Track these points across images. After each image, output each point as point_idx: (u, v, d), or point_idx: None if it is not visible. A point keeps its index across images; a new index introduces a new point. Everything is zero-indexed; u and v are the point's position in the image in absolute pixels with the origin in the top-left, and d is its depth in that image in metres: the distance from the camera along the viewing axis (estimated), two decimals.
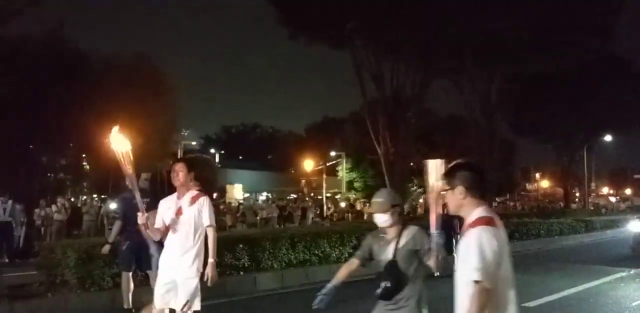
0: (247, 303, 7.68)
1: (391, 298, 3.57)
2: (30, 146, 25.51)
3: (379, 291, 3.57)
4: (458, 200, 2.67)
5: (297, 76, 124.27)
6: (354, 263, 3.78)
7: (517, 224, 16.64)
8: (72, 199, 26.19)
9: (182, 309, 4.49)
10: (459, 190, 2.65)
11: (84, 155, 29.38)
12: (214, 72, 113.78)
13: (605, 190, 63.68)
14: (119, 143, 4.28)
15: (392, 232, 3.71)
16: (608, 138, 37.88)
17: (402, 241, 3.65)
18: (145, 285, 6.58)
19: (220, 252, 7.33)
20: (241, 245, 8.74)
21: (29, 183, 23.19)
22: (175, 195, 4.66)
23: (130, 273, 6.60)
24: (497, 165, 30.25)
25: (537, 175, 58.77)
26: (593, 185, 49.26)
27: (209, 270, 4.54)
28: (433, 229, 3.53)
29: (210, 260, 4.56)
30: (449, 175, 2.75)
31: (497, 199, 39.74)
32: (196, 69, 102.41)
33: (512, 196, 51.97)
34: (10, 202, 12.86)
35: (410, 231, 3.71)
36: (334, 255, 10.15)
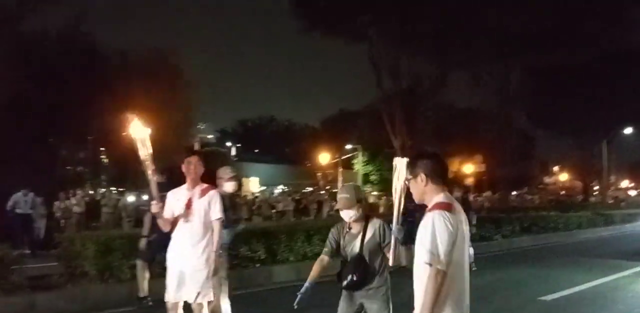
0: (263, 295, 7.76)
1: (358, 290, 3.79)
2: (50, 139, 25.88)
3: (345, 283, 3.77)
4: (420, 188, 2.80)
5: (313, 69, 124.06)
6: (324, 260, 3.86)
7: (534, 217, 16.53)
8: (91, 192, 26.51)
9: (194, 301, 4.54)
10: (421, 177, 2.77)
11: (102, 149, 29.73)
12: (229, 65, 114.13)
13: (624, 183, 62.71)
14: (137, 130, 4.35)
15: (357, 227, 3.85)
16: (628, 130, 37.26)
17: (368, 235, 3.81)
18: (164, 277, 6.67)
19: (236, 244, 7.43)
20: (257, 238, 8.81)
21: (48, 176, 23.53)
22: (184, 187, 4.68)
23: (146, 263, 6.74)
24: (514, 158, 29.98)
25: (556, 168, 58.07)
26: (612, 178, 48.54)
27: (211, 262, 4.59)
28: (394, 224, 3.66)
29: (214, 252, 4.60)
30: (412, 164, 2.87)
31: (514, 192, 39.40)
32: (212, 63, 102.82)
33: (530, 189, 51.43)
34: (31, 194, 13.10)
35: (374, 224, 3.87)
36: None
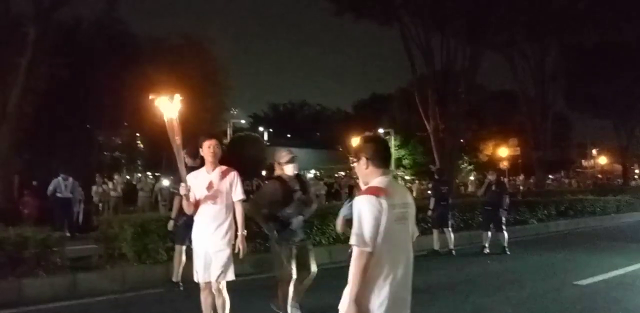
0: None
1: None
2: (88, 126, 26.49)
3: None
4: (363, 171, 2.89)
5: (345, 53, 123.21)
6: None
7: (571, 201, 16.19)
8: (128, 177, 27.14)
9: (216, 280, 4.61)
10: (363, 161, 2.86)
11: (137, 134, 30.30)
12: (261, 50, 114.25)
13: None
14: (167, 110, 4.39)
15: None
16: None
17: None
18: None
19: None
20: None
21: (86, 162, 24.15)
22: (203, 170, 4.73)
23: (184, 247, 6.74)
24: (551, 141, 29.34)
25: (594, 152, 56.66)
26: None
27: (239, 242, 4.66)
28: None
29: (240, 232, 4.68)
30: (355, 148, 2.97)
31: (550, 176, 38.62)
32: (244, 48, 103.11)
33: (567, 173, 50.37)
34: (71, 179, 13.48)
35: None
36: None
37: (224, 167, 4.76)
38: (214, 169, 4.71)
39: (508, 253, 10.25)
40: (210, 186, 4.63)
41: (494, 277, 8.18)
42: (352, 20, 24.85)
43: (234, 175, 4.74)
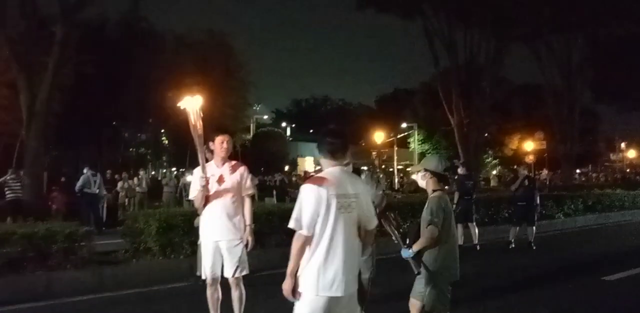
0: None
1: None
2: (114, 122, 26.89)
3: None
4: (322, 161, 3.09)
5: (368, 48, 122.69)
6: None
7: (599, 195, 15.87)
8: (153, 172, 27.46)
9: (233, 275, 4.59)
10: (320, 152, 3.09)
11: (162, 131, 30.63)
12: (284, 46, 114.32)
13: None
14: (191, 103, 4.44)
15: None
16: None
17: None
18: None
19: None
20: None
21: (113, 158, 24.53)
22: (212, 164, 4.70)
23: None
24: (577, 134, 28.81)
25: (623, 145, 55.48)
26: None
27: (247, 235, 4.63)
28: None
29: (248, 226, 4.66)
30: (318, 140, 3.14)
31: (578, 170, 37.95)
32: (266, 44, 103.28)
33: (595, 167, 49.42)
34: (99, 175, 13.71)
35: None
36: (405, 227, 10.11)
37: (233, 162, 4.75)
38: (223, 164, 4.69)
39: (534, 248, 10.11)
40: (220, 180, 4.62)
41: (521, 272, 8.07)
42: (374, 15, 24.77)
43: (243, 170, 4.73)
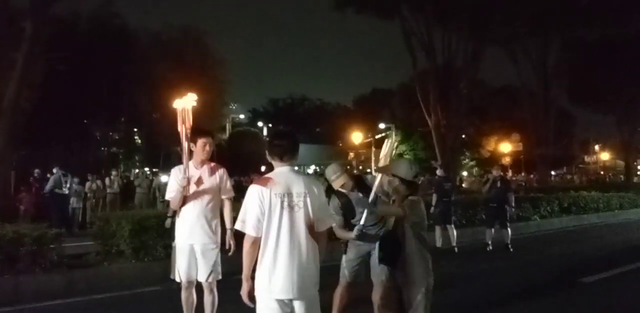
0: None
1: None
2: (85, 121, 26.37)
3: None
4: (273, 164, 3.12)
5: (345, 48, 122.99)
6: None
7: (574, 197, 16.07)
8: (125, 172, 26.99)
9: (206, 280, 4.51)
10: (267, 153, 3.13)
11: (135, 130, 30.17)
12: (261, 45, 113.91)
13: None
14: (184, 102, 4.44)
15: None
16: None
17: None
18: None
19: None
20: None
21: (84, 157, 24.04)
22: (191, 165, 4.60)
23: None
24: (553, 136, 29.22)
25: (597, 147, 56.54)
26: None
27: (229, 239, 4.56)
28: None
29: (229, 229, 4.57)
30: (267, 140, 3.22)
31: (553, 172, 38.49)
32: (243, 42, 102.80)
33: (570, 169, 50.25)
34: (69, 175, 13.37)
35: None
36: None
37: (212, 164, 4.69)
38: (202, 165, 4.62)
39: (511, 250, 10.14)
40: (199, 182, 4.54)
41: (497, 274, 8.08)
42: (353, 14, 24.77)
43: (223, 172, 4.67)
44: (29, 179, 15.52)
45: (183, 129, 4.43)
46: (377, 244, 4.56)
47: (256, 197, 2.95)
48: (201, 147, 4.57)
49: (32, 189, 14.46)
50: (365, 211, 4.43)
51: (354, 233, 4.41)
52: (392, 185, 4.16)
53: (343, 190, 4.69)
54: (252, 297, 2.98)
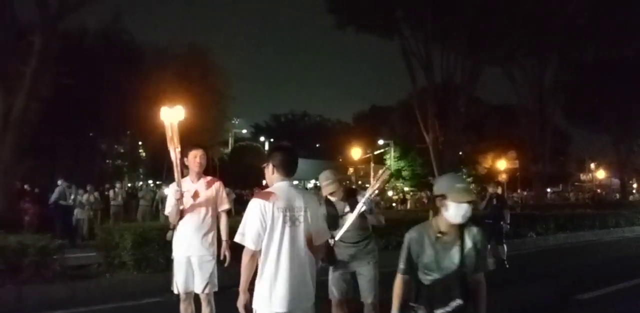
0: None
1: None
2: (90, 134, 26.57)
3: (447, 310, 2.84)
4: (269, 176, 3.15)
5: (346, 65, 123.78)
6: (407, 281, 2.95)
7: (570, 215, 16.18)
8: (130, 184, 27.10)
9: (203, 291, 4.60)
10: (270, 167, 3.13)
11: (140, 143, 30.35)
12: (263, 61, 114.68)
13: None
14: (170, 116, 4.48)
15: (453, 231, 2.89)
16: None
17: (468, 243, 2.89)
18: None
19: None
20: None
21: (89, 169, 24.17)
22: (187, 179, 4.72)
23: None
24: (549, 154, 29.39)
25: (592, 166, 56.67)
26: None
27: (224, 251, 4.66)
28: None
29: (225, 241, 4.68)
30: (268, 155, 3.22)
31: (549, 189, 38.58)
32: (246, 59, 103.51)
33: (566, 187, 50.31)
34: (73, 187, 13.52)
35: (470, 230, 2.93)
36: (381, 243, 10.18)
37: (208, 177, 4.77)
38: (198, 179, 4.71)
39: (507, 266, 10.24)
40: (195, 195, 4.63)
41: (492, 290, 8.13)
42: (354, 33, 25.13)
43: (219, 185, 4.75)
44: (34, 190, 15.65)
45: (172, 144, 4.50)
46: (365, 263, 4.54)
47: (258, 210, 2.96)
48: (192, 159, 4.64)
49: (37, 201, 14.56)
50: (345, 225, 4.38)
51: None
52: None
53: (332, 199, 4.61)
54: (248, 309, 2.99)
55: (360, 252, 4.60)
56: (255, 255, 2.96)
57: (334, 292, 4.64)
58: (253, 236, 2.94)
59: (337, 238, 4.41)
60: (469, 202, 2.78)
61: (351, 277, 4.65)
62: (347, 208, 4.56)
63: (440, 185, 2.90)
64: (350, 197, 4.63)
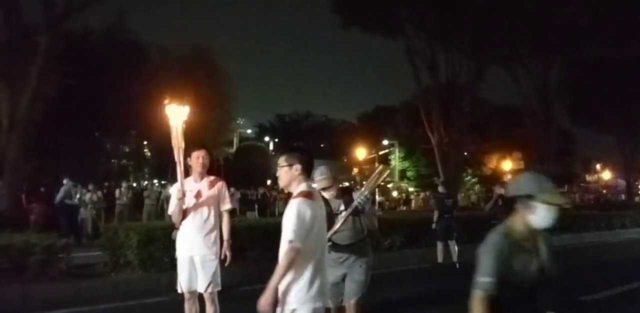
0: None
1: None
2: (96, 133, 26.68)
3: None
4: (293, 176, 3.16)
5: (350, 65, 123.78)
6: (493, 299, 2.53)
7: (575, 216, 16.12)
8: (135, 184, 27.19)
9: (206, 291, 4.61)
10: (296, 167, 3.15)
11: (145, 143, 30.46)
12: (268, 61, 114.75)
13: None
14: (175, 116, 4.54)
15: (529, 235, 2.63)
16: None
17: (543, 248, 2.70)
18: None
19: (274, 238, 7.52)
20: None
21: (94, 168, 24.27)
22: (191, 179, 4.74)
23: None
24: (554, 155, 29.32)
25: (598, 166, 56.52)
26: None
27: (225, 250, 4.70)
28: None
29: (226, 240, 4.71)
30: (288, 155, 3.21)
31: None
32: (250, 58, 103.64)
33: (571, 188, 50.15)
34: (79, 186, 13.58)
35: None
36: (386, 243, 10.18)
37: (211, 177, 4.80)
38: (202, 179, 4.73)
39: None
40: (198, 195, 4.65)
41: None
42: (359, 33, 25.12)
43: (222, 185, 4.78)
44: (40, 189, 15.74)
45: (176, 145, 4.55)
46: (357, 266, 4.45)
47: (309, 209, 3.02)
48: (195, 159, 4.68)
49: (42, 200, 14.62)
50: (337, 224, 4.32)
51: None
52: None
53: (325, 195, 4.43)
54: (274, 308, 2.97)
55: (353, 254, 4.48)
56: (299, 253, 2.96)
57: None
58: (303, 235, 2.98)
59: (329, 236, 4.22)
60: (559, 205, 2.53)
61: (342, 280, 4.54)
62: (342, 207, 4.44)
63: (526, 184, 2.60)
64: (346, 195, 4.53)
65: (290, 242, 2.95)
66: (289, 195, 3.33)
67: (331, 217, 4.24)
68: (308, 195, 3.10)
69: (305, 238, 2.98)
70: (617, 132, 34.91)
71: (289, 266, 2.95)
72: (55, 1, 15.43)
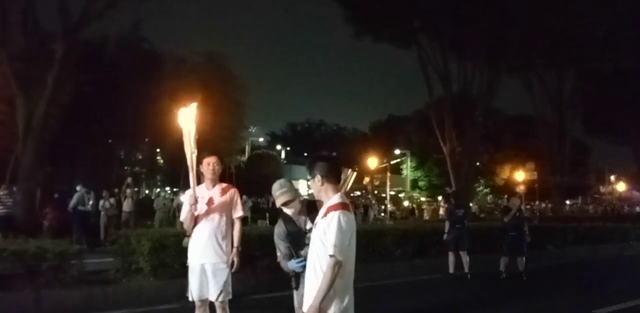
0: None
1: None
2: (110, 141, 26.92)
3: None
4: (318, 187, 3.10)
5: (363, 75, 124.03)
6: None
7: (588, 228, 15.94)
8: (147, 191, 27.33)
9: (217, 299, 4.59)
10: (317, 178, 3.08)
11: (158, 150, 30.65)
12: (281, 70, 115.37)
13: None
14: (186, 121, 4.51)
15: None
16: None
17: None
18: None
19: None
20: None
21: (107, 175, 24.46)
22: (203, 186, 4.73)
23: None
24: (568, 166, 29.07)
25: (612, 178, 55.85)
26: None
27: (234, 256, 4.66)
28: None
29: (235, 247, 4.68)
30: (309, 166, 3.16)
31: (567, 202, 38.08)
32: (263, 67, 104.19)
33: (585, 199, 49.68)
34: (92, 193, 13.68)
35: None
36: (397, 253, 10.13)
37: (223, 184, 4.79)
38: (213, 186, 4.72)
39: (524, 278, 10.13)
40: (210, 202, 4.64)
41: (509, 302, 8.08)
42: (372, 43, 25.20)
43: (234, 192, 4.76)
44: (53, 195, 15.86)
45: (189, 151, 4.53)
46: None
47: (350, 223, 2.96)
48: (206, 166, 4.66)
49: (56, 206, 14.72)
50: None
51: (290, 269, 3.93)
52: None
53: (288, 211, 4.01)
54: None
55: None
56: (341, 266, 2.91)
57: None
58: (344, 249, 2.91)
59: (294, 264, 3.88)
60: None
61: None
62: (310, 225, 3.82)
63: None
64: (313, 211, 3.77)
65: (332, 256, 2.87)
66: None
67: (299, 237, 3.94)
68: (346, 206, 3.01)
69: (345, 252, 2.91)
70: (632, 142, 34.55)
71: (333, 281, 2.88)
72: (71, 10, 15.66)
